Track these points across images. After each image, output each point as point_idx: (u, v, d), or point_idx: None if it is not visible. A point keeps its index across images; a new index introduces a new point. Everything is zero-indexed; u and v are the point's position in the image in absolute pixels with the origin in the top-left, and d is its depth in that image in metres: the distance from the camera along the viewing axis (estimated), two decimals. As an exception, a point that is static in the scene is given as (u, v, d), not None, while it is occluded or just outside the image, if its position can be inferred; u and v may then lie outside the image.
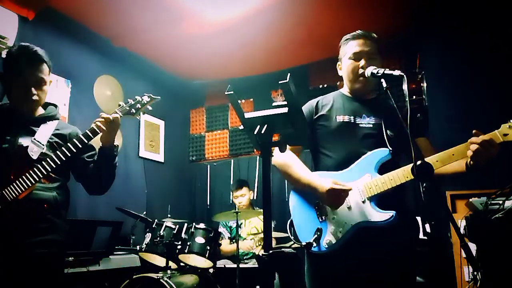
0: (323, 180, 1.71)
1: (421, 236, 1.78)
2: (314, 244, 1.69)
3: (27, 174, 1.75)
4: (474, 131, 1.58)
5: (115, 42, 4.13)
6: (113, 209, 3.53)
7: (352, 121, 1.86)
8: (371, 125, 1.84)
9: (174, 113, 5.13)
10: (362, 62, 1.84)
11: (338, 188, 1.67)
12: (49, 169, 1.78)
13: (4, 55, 3.07)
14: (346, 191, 1.68)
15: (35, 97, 1.86)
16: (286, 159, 1.88)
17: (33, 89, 1.85)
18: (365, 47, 1.86)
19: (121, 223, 3.35)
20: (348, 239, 1.68)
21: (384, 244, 1.66)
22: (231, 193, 4.46)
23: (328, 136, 1.88)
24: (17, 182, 1.74)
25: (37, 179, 1.76)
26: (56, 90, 3.53)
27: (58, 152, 1.80)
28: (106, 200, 3.54)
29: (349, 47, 1.90)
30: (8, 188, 1.73)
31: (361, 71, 1.83)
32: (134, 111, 1.97)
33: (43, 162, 1.78)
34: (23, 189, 1.74)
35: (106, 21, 3.79)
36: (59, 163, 1.79)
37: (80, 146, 1.83)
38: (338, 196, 1.68)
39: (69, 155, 1.81)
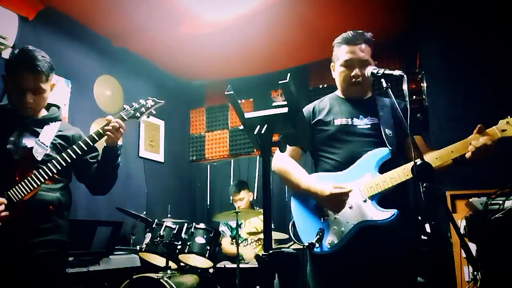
0: (323, 185, 1.70)
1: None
2: (317, 245, 1.68)
3: (32, 176, 1.75)
4: (479, 126, 1.58)
5: (115, 42, 4.12)
6: (113, 209, 3.53)
7: (350, 123, 1.85)
8: (369, 126, 1.84)
9: (174, 113, 5.12)
10: (354, 71, 1.84)
11: (338, 192, 1.65)
12: (55, 171, 1.79)
13: (4, 55, 3.09)
14: (346, 193, 1.67)
15: (30, 105, 1.86)
16: (285, 166, 1.87)
17: (29, 96, 1.84)
18: (356, 54, 1.84)
19: (121, 223, 3.35)
20: (350, 238, 1.68)
21: (386, 243, 1.66)
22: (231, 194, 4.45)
23: (327, 139, 1.87)
24: (22, 183, 1.74)
25: (43, 181, 1.77)
26: (56, 90, 3.50)
27: (63, 154, 1.81)
28: (106, 200, 3.55)
29: (341, 52, 1.89)
30: (14, 189, 1.73)
31: (353, 80, 1.85)
32: (138, 115, 2.00)
33: (48, 164, 1.78)
34: (29, 191, 1.74)
35: (106, 21, 3.79)
36: (64, 165, 1.81)
37: (86, 148, 1.85)
38: (339, 200, 1.67)
39: (74, 157, 1.82)
